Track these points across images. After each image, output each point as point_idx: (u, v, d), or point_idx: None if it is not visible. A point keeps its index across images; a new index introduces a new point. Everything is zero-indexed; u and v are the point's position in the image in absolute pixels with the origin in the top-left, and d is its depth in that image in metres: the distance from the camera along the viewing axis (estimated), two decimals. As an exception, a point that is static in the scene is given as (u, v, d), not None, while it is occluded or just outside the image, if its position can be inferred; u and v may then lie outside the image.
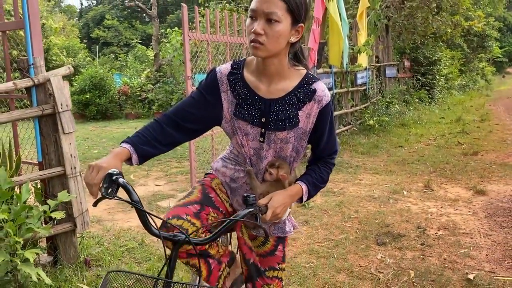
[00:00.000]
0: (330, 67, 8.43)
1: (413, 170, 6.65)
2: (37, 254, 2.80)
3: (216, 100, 1.67)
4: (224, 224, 1.46)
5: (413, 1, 12.90)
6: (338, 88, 9.12)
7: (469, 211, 4.72)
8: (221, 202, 1.80)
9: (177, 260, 1.52)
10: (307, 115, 1.65)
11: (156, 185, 6.01)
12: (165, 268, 1.44)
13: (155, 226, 1.41)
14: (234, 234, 2.18)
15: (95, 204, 1.44)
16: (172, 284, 1.42)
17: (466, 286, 3.10)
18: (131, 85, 15.47)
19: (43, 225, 3.08)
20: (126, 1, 24.68)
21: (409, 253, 3.67)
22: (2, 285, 2.69)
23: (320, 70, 7.84)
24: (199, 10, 5.35)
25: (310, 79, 1.66)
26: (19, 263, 2.56)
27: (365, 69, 10.52)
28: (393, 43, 14.97)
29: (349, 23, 10.77)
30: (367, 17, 10.16)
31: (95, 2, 44.22)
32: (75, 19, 38.88)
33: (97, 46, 28.51)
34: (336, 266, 3.42)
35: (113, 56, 25.67)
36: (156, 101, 14.60)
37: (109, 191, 1.39)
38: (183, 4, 4.91)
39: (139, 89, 15.31)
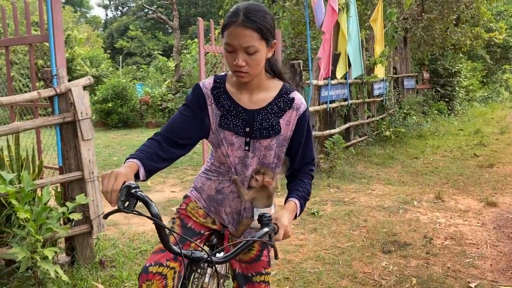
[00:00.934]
0: (345, 77, 8.50)
1: (426, 181, 6.67)
2: (55, 252, 2.99)
3: (204, 114, 1.79)
4: (242, 244, 1.51)
5: (431, 13, 12.91)
6: (354, 99, 9.20)
7: (478, 222, 4.74)
8: (201, 225, 1.94)
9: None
10: (287, 123, 1.80)
11: (172, 191, 6.19)
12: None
13: (174, 241, 1.47)
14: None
15: (105, 217, 1.42)
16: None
17: (467, 294, 3.17)
18: (152, 95, 15.82)
19: (62, 225, 3.28)
20: (150, 13, 25.25)
21: (413, 261, 3.74)
22: (23, 280, 2.89)
23: (334, 81, 7.93)
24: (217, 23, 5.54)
25: (288, 89, 1.81)
26: (39, 260, 2.76)
27: (382, 80, 10.58)
28: (412, 55, 14.95)
29: (367, 34, 10.88)
30: (384, 28, 10.23)
31: (119, 13, 45.41)
32: (100, 30, 39.97)
33: (120, 56, 29.18)
34: (340, 272, 3.52)
35: (136, 66, 26.25)
36: (176, 110, 14.84)
37: (126, 204, 1.34)
38: (199, 18, 5.13)
39: (160, 98, 15.64)
